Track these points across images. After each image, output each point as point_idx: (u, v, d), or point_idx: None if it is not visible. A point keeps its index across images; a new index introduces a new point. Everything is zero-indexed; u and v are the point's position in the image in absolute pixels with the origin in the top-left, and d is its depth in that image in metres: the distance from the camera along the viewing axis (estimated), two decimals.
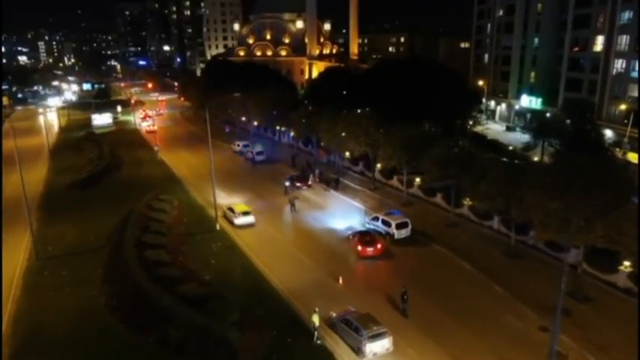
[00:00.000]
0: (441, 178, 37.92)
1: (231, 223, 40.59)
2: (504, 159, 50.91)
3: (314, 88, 77.11)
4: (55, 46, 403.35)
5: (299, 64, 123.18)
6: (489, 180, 31.72)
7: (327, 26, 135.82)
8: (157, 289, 26.93)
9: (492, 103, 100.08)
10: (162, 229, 37.06)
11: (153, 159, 66.63)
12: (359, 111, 52.09)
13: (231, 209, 41.59)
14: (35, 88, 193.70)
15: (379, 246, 34.75)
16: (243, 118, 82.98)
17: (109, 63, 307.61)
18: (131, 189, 50.90)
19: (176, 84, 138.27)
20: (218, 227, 39.61)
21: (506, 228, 37.27)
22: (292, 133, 69.82)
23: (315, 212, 43.39)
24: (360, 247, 34.54)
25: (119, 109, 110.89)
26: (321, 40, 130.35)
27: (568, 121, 58.60)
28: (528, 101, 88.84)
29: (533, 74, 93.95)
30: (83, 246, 37.02)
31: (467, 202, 40.91)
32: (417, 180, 47.23)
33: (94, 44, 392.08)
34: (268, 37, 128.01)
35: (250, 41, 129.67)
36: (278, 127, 75.05)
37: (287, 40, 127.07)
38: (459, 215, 41.09)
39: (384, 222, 37.53)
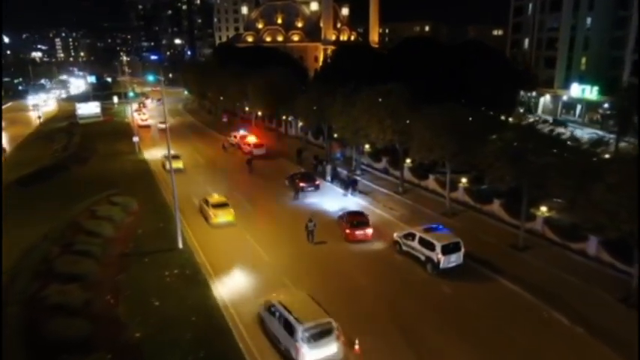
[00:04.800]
0: (511, 179, 25.14)
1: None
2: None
3: (326, 68, 64.72)
4: (71, 43, 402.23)
5: (313, 50, 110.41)
6: (608, 184, 18.94)
7: (344, 11, 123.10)
8: None
9: (534, 94, 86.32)
10: (95, 247, 25.11)
11: (132, 151, 55.34)
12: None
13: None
14: (42, 81, 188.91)
15: (370, 231, 28.67)
16: (247, 108, 71.21)
17: (121, 58, 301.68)
18: (90, 187, 39.22)
19: None
20: (181, 244, 27.50)
21: (611, 255, 24.50)
22: (300, 123, 57.80)
23: (325, 225, 31.06)
24: (348, 230, 28.49)
25: (115, 99, 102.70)
26: (338, 25, 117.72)
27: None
28: (580, 90, 75.02)
29: (584, 60, 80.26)
30: None
31: (542, 212, 28.18)
32: (463, 181, 34.63)
33: (109, 40, 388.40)
34: (279, 21, 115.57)
35: (260, 26, 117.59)
36: (284, 117, 63.04)
37: (300, 25, 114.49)
38: (529, 232, 28.33)
39: (424, 242, 25.00)
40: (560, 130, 33.02)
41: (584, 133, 54.60)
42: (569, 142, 25.26)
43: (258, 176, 43.64)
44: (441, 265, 24.13)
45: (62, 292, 19.85)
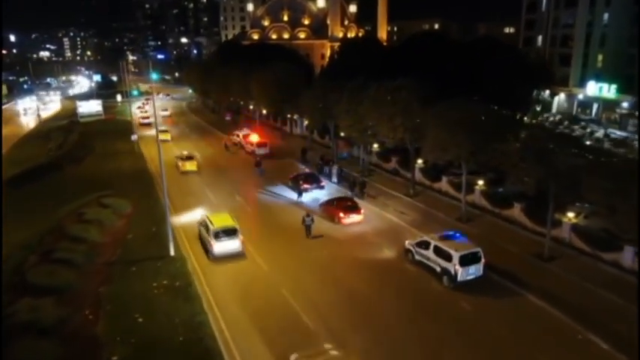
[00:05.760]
0: (537, 180, 22.59)
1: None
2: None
3: (333, 63, 62.30)
4: (79, 43, 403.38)
5: (319, 48, 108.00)
6: None
7: (352, 8, 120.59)
8: None
9: (547, 93, 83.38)
10: (78, 255, 22.92)
11: (130, 150, 53.39)
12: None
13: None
14: (48, 80, 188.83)
15: (361, 214, 29.64)
16: (251, 107, 69.07)
17: (127, 58, 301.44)
18: (82, 188, 37.30)
19: None
20: (172, 251, 25.24)
21: None
22: (306, 122, 55.46)
23: (329, 230, 28.72)
24: (342, 214, 29.19)
25: (119, 97, 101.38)
26: (346, 22, 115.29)
27: None
28: (597, 89, 72.06)
29: (601, 57, 77.28)
30: None
31: (569, 219, 25.64)
32: (480, 183, 32.12)
33: (117, 40, 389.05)
34: (285, 18, 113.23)
35: (265, 23, 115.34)
36: (289, 116, 60.73)
37: (306, 22, 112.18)
38: (554, 240, 25.74)
39: (440, 251, 22.54)
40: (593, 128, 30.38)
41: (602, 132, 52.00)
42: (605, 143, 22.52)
43: (260, 176, 41.34)
44: (459, 278, 21.66)
45: (33, 307, 17.66)
